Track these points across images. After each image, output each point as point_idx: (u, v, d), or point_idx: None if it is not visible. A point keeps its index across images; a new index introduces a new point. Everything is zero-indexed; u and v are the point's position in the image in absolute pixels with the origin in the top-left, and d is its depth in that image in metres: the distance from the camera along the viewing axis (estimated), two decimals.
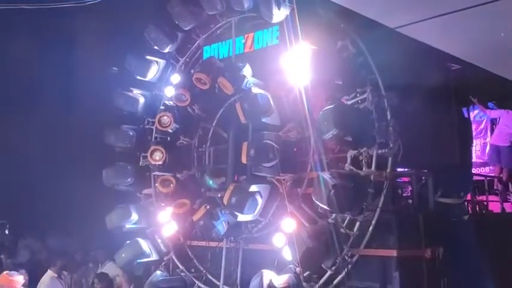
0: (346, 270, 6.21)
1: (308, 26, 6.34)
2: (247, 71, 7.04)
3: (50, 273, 8.44)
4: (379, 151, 6.13)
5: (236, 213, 6.62)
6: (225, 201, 6.66)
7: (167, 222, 7.84)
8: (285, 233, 6.41)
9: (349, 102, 6.34)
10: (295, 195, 6.81)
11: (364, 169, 6.19)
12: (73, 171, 10.58)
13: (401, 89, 6.42)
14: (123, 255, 8.03)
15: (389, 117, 6.19)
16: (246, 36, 7.63)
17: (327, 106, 6.20)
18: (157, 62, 8.47)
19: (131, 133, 8.51)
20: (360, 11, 3.42)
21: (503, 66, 5.03)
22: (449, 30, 3.67)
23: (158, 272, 7.90)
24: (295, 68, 6.37)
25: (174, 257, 8.13)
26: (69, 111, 11.54)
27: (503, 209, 9.51)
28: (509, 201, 9.86)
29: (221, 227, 7.08)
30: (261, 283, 6.21)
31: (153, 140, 8.53)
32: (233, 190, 6.60)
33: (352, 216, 6.13)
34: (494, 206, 9.34)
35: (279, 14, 6.68)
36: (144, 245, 8.03)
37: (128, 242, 8.06)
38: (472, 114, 9.88)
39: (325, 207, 5.83)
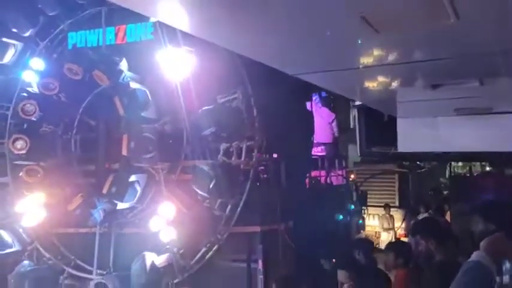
0: (217, 246, 7.15)
1: None
2: (123, 65, 7.22)
3: None
4: (248, 143, 7.11)
5: (116, 201, 6.95)
6: (104, 190, 6.92)
7: (31, 211, 7.67)
8: (162, 217, 6.99)
9: (222, 101, 7.10)
10: (170, 182, 7.38)
11: (233, 159, 7.13)
12: None
13: (265, 88, 7.44)
14: None
15: (255, 114, 7.18)
16: (117, 27, 7.66)
17: (203, 103, 6.89)
18: (14, 44, 7.98)
19: None
20: (256, 58, 3.36)
21: None
22: None
23: (26, 262, 7.75)
24: (171, 66, 6.84)
25: (38, 246, 8.03)
26: None
27: (330, 182, 11.59)
28: (334, 176, 12.02)
29: (97, 214, 7.29)
30: (144, 264, 6.74)
31: (8, 126, 8.12)
32: (113, 180, 6.90)
33: (224, 200, 7.03)
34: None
35: None
36: (5, 235, 7.77)
37: None
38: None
39: (206, 194, 6.61)
